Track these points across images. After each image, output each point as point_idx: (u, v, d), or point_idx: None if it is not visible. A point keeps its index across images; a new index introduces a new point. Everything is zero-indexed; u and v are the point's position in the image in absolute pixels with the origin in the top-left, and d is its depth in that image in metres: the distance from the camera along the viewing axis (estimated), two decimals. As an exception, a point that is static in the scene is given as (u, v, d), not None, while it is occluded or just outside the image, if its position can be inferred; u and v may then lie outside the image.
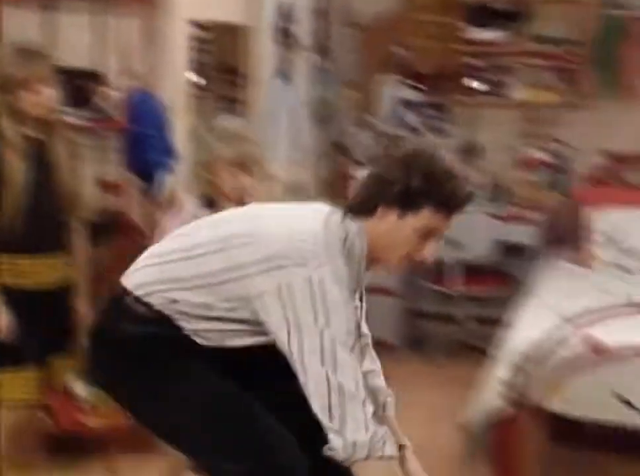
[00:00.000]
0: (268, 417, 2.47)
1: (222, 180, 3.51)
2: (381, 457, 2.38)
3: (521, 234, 5.39)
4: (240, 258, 2.34)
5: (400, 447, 2.64)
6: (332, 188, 5.95)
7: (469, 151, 5.80)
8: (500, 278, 5.54)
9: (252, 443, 2.43)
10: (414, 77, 5.95)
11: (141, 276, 2.44)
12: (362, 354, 2.71)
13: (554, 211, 5.61)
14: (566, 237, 5.51)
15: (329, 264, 2.30)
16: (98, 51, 4.22)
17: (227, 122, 3.93)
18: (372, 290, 5.30)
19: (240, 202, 3.56)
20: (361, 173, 5.51)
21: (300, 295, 2.27)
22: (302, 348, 2.29)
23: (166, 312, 2.38)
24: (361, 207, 2.41)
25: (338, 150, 5.97)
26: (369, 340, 2.76)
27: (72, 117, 4.06)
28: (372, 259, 2.46)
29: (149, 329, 2.39)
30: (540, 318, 4.18)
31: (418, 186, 2.35)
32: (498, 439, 4.01)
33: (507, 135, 5.78)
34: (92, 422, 4.08)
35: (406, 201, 2.37)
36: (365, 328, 2.74)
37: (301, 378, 2.30)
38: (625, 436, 4.10)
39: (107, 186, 4.27)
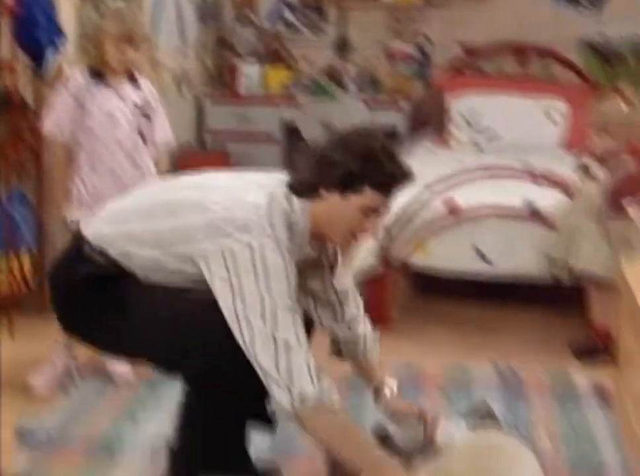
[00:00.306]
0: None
1: (109, 53, 3.32)
2: (330, 412, 2.28)
3: (390, 118, 5.30)
4: (188, 221, 2.29)
5: (376, 390, 2.67)
6: (217, 79, 5.78)
7: (342, 47, 5.70)
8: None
9: (197, 346, 2.30)
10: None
11: (101, 228, 2.42)
12: (341, 304, 2.63)
13: (418, 98, 5.57)
14: (428, 120, 5.48)
15: (271, 234, 2.25)
16: None
17: (113, 2, 3.73)
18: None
19: (128, 74, 3.40)
20: (246, 67, 5.51)
21: (242, 261, 2.21)
22: (246, 312, 2.22)
23: (121, 263, 2.37)
24: (303, 188, 2.33)
25: (222, 44, 5.78)
26: (350, 290, 2.65)
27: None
28: (318, 237, 2.39)
29: (103, 272, 2.38)
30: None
31: (358, 169, 2.28)
32: (371, 294, 3.98)
33: (376, 32, 5.66)
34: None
35: (348, 183, 2.29)
36: (343, 282, 2.62)
37: (247, 338, 2.22)
38: (476, 286, 4.17)
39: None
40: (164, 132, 3.52)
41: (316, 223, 2.35)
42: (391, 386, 2.71)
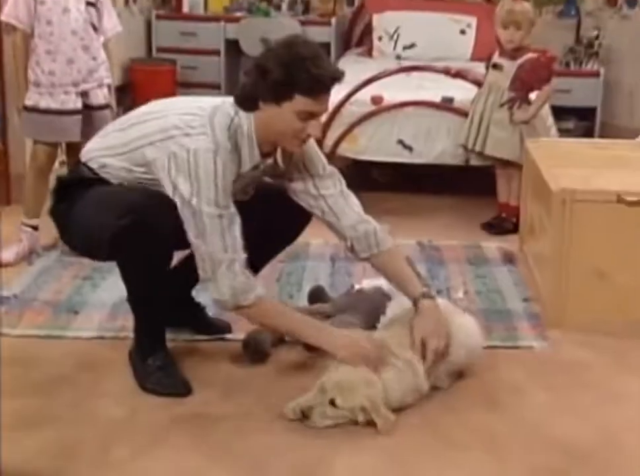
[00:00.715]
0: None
1: None
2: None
3: (322, 35, 5.08)
4: (146, 129, 2.25)
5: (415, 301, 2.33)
6: (163, 1, 5.50)
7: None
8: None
9: (119, 204, 2.21)
10: None
11: (89, 145, 2.41)
12: (335, 213, 2.41)
13: (346, 16, 5.40)
14: (356, 40, 5.35)
15: (210, 134, 2.17)
16: None
17: None
18: (200, 85, 5.11)
19: None
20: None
21: (181, 164, 2.16)
22: (183, 213, 2.18)
23: (101, 174, 2.31)
24: (245, 100, 2.22)
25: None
26: (340, 195, 2.42)
27: None
28: (269, 145, 2.27)
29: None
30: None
31: (286, 76, 2.13)
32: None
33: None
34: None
35: (278, 92, 2.16)
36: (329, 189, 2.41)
37: (190, 231, 2.20)
38: (400, 176, 4.09)
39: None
40: (112, 21, 3.34)
41: (262, 132, 2.22)
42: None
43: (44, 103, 3.16)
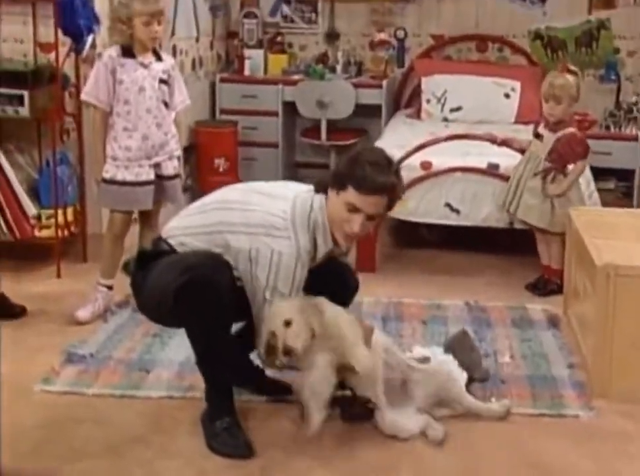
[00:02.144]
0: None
1: (138, 29, 3.20)
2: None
3: (373, 96, 5.14)
4: (229, 217, 2.37)
5: None
6: (227, 64, 5.62)
7: (332, 36, 5.53)
8: (357, 131, 5.32)
9: (180, 265, 2.33)
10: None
11: (170, 224, 2.52)
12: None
13: (396, 78, 5.45)
14: (406, 102, 5.39)
15: (294, 241, 2.32)
16: None
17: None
18: (259, 144, 5.22)
19: (152, 49, 3.28)
20: (250, 53, 5.39)
21: (262, 260, 2.31)
22: (255, 294, 2.35)
23: (178, 250, 2.42)
24: (319, 186, 2.41)
25: (231, 35, 5.62)
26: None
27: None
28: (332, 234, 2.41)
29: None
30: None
31: (345, 169, 2.33)
32: (358, 244, 3.89)
33: (361, 23, 5.50)
34: (40, 233, 3.78)
35: (337, 181, 2.34)
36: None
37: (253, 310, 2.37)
38: (447, 234, 4.09)
39: (43, 46, 3.86)
40: (182, 94, 3.43)
41: (328, 218, 2.37)
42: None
43: (120, 176, 3.25)
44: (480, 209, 3.77)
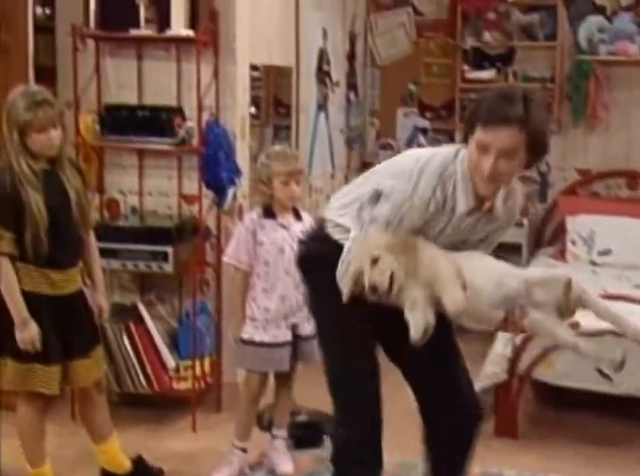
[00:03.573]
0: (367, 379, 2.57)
1: (277, 190, 3.52)
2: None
3: (514, 235, 5.30)
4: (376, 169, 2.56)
5: None
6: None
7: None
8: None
9: (341, 412, 2.59)
10: (424, 107, 5.96)
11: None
12: None
13: (539, 216, 5.60)
14: (549, 238, 5.52)
15: (411, 183, 2.34)
16: (179, 91, 4.22)
17: (280, 146, 3.97)
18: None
19: (293, 208, 3.59)
20: None
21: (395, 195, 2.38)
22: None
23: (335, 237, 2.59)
24: (463, 139, 2.41)
25: (366, 167, 5.95)
26: None
27: (159, 144, 4.07)
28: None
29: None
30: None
31: (471, 108, 2.39)
32: (497, 403, 4.00)
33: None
34: (178, 385, 4.10)
35: (468, 124, 2.37)
36: None
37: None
38: (600, 400, 4.11)
39: (187, 198, 4.27)
40: None
41: (468, 168, 2.35)
42: None
43: (258, 337, 3.51)
44: (635, 377, 3.80)
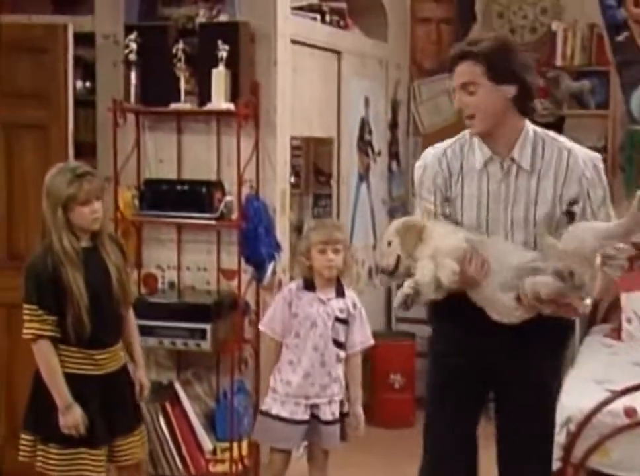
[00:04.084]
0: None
1: (315, 259, 3.59)
2: None
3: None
4: None
5: None
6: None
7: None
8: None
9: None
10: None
11: None
12: None
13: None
14: (603, 315, 5.50)
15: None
16: (218, 164, 4.34)
17: (324, 218, 4.06)
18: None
19: (335, 283, 3.64)
20: None
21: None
22: None
23: None
24: None
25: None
26: None
27: (199, 219, 4.19)
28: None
29: None
30: (583, 387, 4.14)
31: None
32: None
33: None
34: (214, 467, 4.13)
35: None
36: None
37: None
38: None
39: (226, 273, 4.35)
40: (363, 334, 3.72)
41: None
42: None
43: (275, 410, 3.57)
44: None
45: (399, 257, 2.66)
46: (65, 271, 3.13)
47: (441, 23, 6.22)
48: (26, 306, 3.13)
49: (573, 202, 2.66)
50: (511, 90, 2.60)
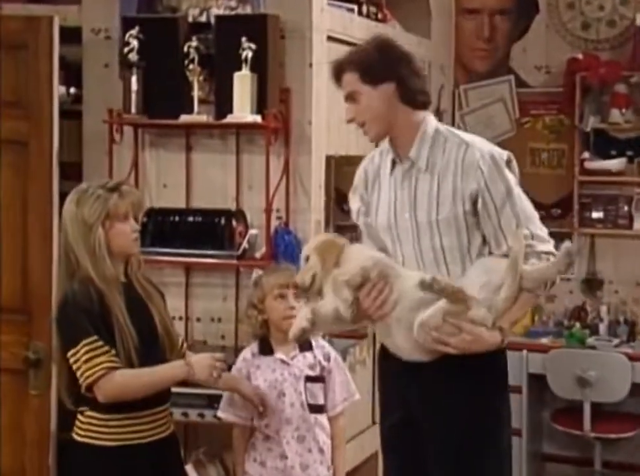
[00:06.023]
0: None
1: (271, 310, 3.59)
2: None
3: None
4: None
5: None
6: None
7: (591, 283, 5.71)
8: (633, 419, 5.35)
9: None
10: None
11: None
12: None
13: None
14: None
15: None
16: (238, 190, 4.22)
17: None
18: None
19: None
20: None
21: None
22: None
23: None
24: None
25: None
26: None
27: (215, 258, 4.07)
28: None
29: None
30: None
31: None
32: None
33: (632, 266, 5.67)
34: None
35: None
36: None
37: None
38: None
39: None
40: (345, 389, 3.63)
41: None
42: None
43: None
44: None
45: (314, 275, 2.91)
46: (111, 304, 3.02)
47: (495, 14, 6.15)
48: (81, 344, 2.99)
49: (474, 199, 2.85)
50: (390, 87, 2.91)
